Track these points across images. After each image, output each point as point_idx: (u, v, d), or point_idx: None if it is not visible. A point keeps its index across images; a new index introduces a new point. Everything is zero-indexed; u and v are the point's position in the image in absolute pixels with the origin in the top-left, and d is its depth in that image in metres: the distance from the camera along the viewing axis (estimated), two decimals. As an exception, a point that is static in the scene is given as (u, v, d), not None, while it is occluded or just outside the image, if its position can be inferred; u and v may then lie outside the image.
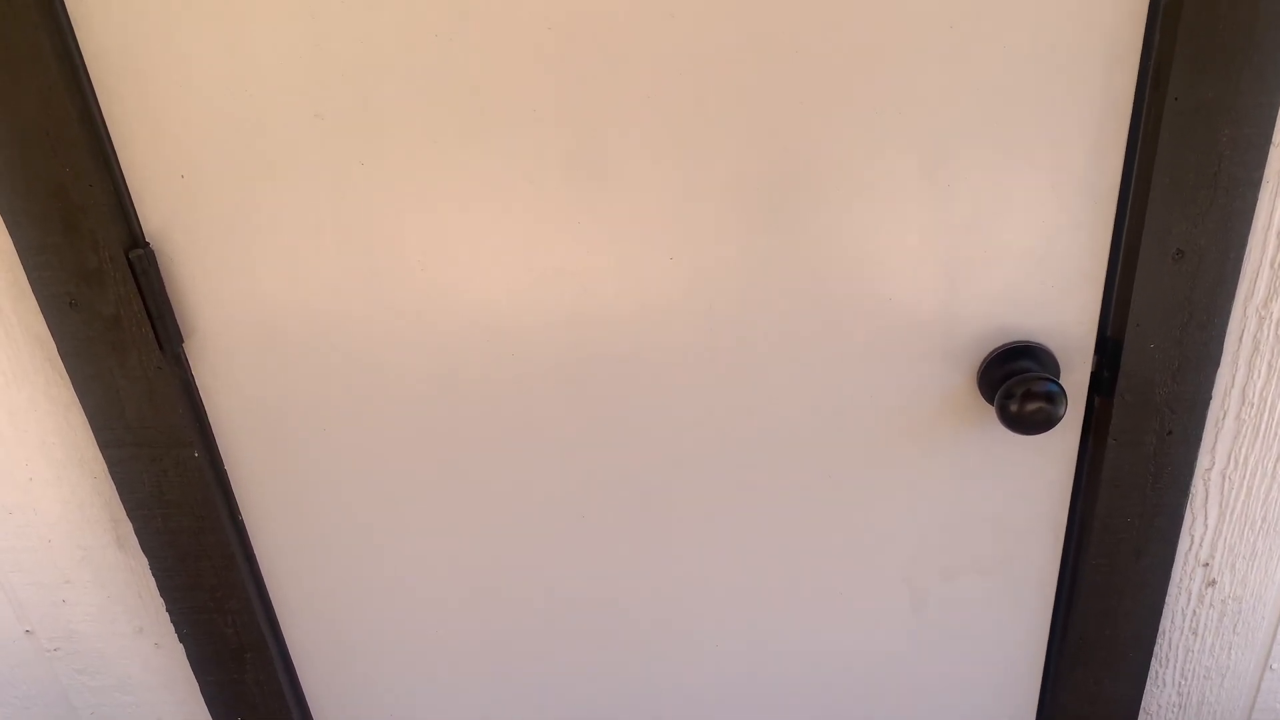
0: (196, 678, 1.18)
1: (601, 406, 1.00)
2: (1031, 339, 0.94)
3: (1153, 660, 1.12)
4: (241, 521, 1.09)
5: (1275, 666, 1.11)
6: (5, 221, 0.88)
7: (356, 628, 1.18)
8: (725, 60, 0.83)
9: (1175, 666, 1.13)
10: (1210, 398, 0.94)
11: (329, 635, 1.18)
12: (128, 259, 0.90)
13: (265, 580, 1.14)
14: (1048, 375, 0.89)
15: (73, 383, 0.97)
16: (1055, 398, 0.89)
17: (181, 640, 1.14)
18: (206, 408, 1.02)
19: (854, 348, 0.96)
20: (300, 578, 1.14)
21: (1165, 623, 1.09)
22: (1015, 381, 0.89)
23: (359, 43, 0.83)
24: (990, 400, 0.96)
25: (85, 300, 0.92)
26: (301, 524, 1.10)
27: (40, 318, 0.96)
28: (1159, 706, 1.16)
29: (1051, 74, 0.82)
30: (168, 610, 1.12)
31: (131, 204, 0.91)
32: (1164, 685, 1.14)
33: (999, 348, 0.94)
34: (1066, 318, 0.93)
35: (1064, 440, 1.00)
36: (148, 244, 0.93)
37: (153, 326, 0.94)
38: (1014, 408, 0.90)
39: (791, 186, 0.88)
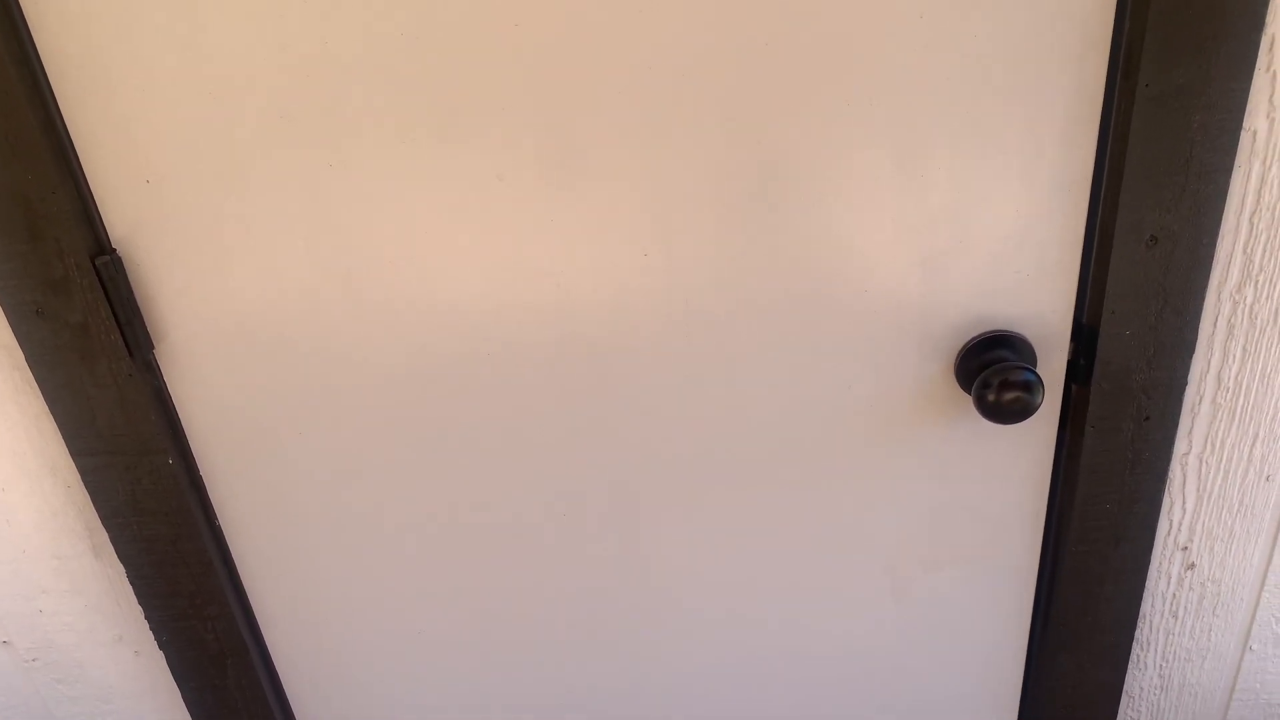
0: (178, 685, 1.17)
1: (579, 402, 1.00)
2: (1008, 328, 0.94)
3: (1134, 644, 1.13)
4: (219, 527, 1.08)
5: (1255, 647, 1.12)
6: (-33, 230, 0.87)
7: (339, 630, 1.17)
8: (696, 54, 0.82)
9: (1156, 649, 1.13)
10: (1186, 383, 0.95)
11: (311, 638, 1.17)
12: (94, 266, 0.89)
13: (245, 585, 1.13)
14: (1024, 364, 0.89)
15: (42, 392, 0.95)
16: (1032, 387, 0.89)
17: (161, 648, 1.13)
18: (179, 414, 1.01)
19: (831, 340, 0.95)
20: (280, 581, 1.13)
21: (1146, 606, 1.10)
22: (992, 371, 0.89)
23: (324, 43, 0.82)
24: (968, 390, 0.96)
25: (52, 308, 0.91)
26: (280, 528, 1.09)
27: (7, 327, 0.94)
28: (1141, 689, 1.17)
29: (1022, 63, 0.82)
30: (146, 618, 1.11)
31: (97, 210, 0.89)
32: (1145, 668, 1.15)
33: (975, 337, 0.94)
34: (1042, 306, 0.93)
35: (1042, 428, 1.00)
36: (114, 250, 0.91)
37: (121, 333, 0.92)
38: (991, 397, 0.90)
39: (765, 180, 0.88)
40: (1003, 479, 1.03)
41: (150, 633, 1.14)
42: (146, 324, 0.95)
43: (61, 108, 0.85)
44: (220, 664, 1.14)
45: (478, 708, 1.24)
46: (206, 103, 0.85)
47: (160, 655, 1.17)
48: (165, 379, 0.98)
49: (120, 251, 0.91)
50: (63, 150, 0.85)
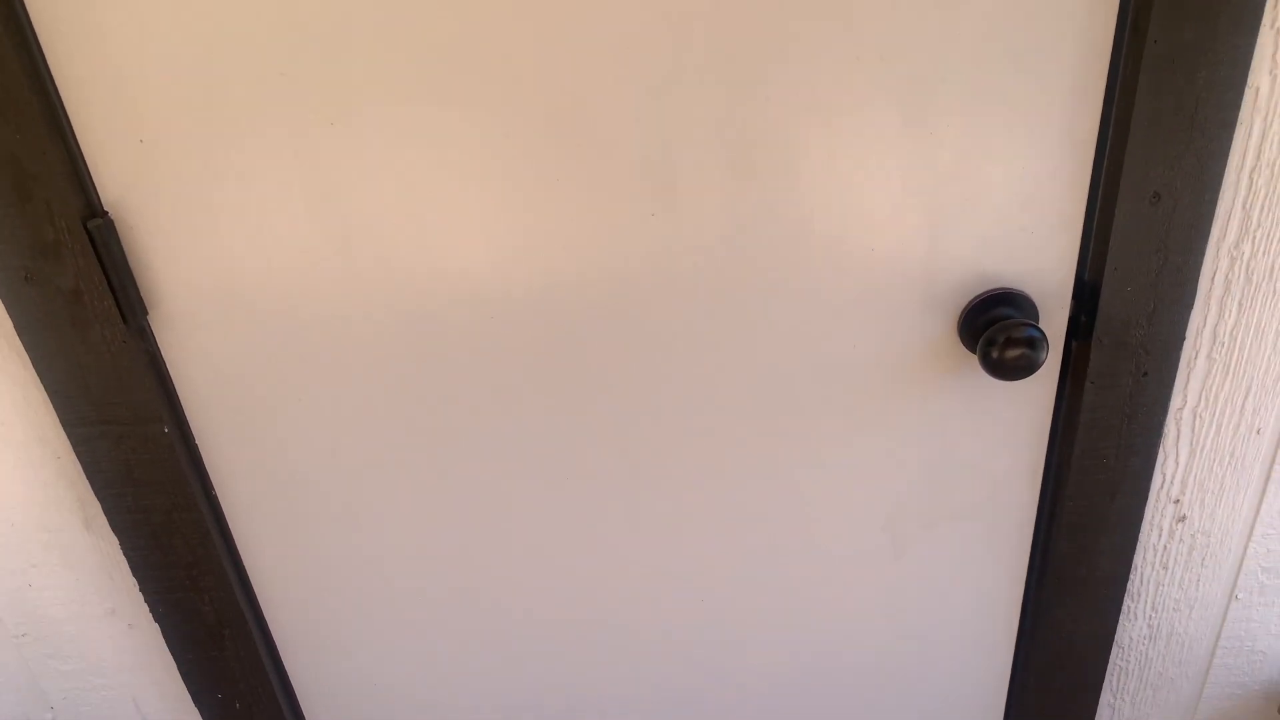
0: (174, 657, 1.15)
1: (581, 363, 0.99)
2: (1012, 286, 0.95)
3: (1125, 595, 1.15)
4: (215, 497, 1.06)
5: (1241, 596, 1.15)
6: (-48, 193, 0.84)
7: (337, 600, 1.16)
8: (702, 10, 0.81)
9: (1146, 600, 1.16)
10: (1184, 338, 0.96)
11: (309, 608, 1.16)
12: (86, 229, 0.86)
13: (242, 556, 1.11)
14: (1029, 321, 0.90)
15: (31, 360, 0.93)
16: (1037, 343, 0.90)
17: (157, 620, 1.12)
18: (174, 381, 0.99)
19: (836, 298, 0.96)
20: (278, 551, 1.11)
21: (1137, 558, 1.12)
22: (997, 328, 0.90)
23: (325, -4, 0.80)
24: (971, 348, 0.96)
25: (42, 273, 0.88)
26: (277, 497, 1.07)
27: (-6, 293, 0.91)
28: (1130, 639, 1.20)
29: (1032, 20, 0.82)
30: (141, 590, 1.09)
31: (88, 172, 0.87)
32: (1135, 618, 1.18)
33: (979, 295, 0.95)
34: (1046, 263, 0.94)
35: (1042, 385, 1.01)
36: (106, 213, 0.89)
37: (115, 299, 0.90)
38: (996, 354, 0.91)
39: (771, 138, 0.87)
40: (1003, 435, 1.04)
41: (144, 605, 1.12)
42: (140, 289, 0.93)
43: (51, 64, 0.82)
44: (218, 635, 1.13)
45: (476, 677, 1.24)
46: (203, 58, 0.82)
47: (155, 628, 1.15)
48: (159, 345, 0.96)
49: (113, 214, 0.89)
50: (52, 109, 0.82)
